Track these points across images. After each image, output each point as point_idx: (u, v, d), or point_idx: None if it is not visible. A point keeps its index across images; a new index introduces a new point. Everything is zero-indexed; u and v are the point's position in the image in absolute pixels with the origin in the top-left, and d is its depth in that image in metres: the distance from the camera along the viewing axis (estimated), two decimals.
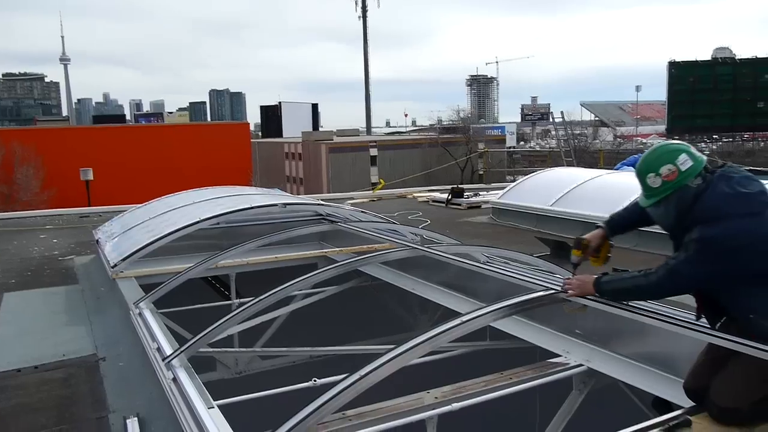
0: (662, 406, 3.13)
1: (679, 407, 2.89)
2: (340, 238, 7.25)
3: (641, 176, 2.70)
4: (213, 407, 2.90)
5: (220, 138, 28.88)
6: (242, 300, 5.86)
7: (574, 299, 3.11)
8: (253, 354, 6.04)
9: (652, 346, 3.66)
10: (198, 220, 6.47)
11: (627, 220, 3.13)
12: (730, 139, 35.56)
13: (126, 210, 9.13)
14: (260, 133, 55.08)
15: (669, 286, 2.67)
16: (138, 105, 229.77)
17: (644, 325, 3.61)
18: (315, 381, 4.06)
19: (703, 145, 33.66)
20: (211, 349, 5.07)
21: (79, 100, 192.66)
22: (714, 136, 35.59)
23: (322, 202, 8.03)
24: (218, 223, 6.73)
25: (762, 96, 32.95)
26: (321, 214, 7.52)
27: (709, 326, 2.77)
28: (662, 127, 38.82)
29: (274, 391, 3.97)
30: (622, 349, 3.83)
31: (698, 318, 2.83)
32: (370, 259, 5.27)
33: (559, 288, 3.28)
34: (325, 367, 4.96)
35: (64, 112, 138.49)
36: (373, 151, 23.89)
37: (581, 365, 3.88)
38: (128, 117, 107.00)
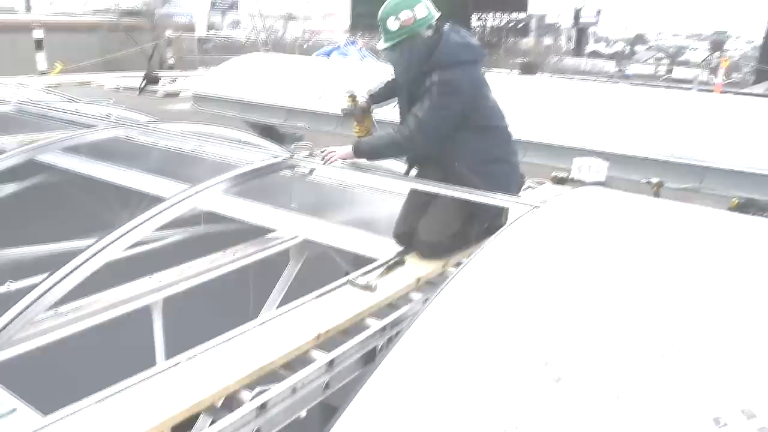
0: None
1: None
2: (14, 125, 6.11)
3: (383, 20, 2.97)
4: None
5: None
6: None
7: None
8: None
9: (357, 212, 4.08)
10: None
11: (383, 94, 3.44)
12: None
13: None
14: None
15: (420, 138, 2.98)
16: None
17: (352, 193, 4.02)
18: (10, 283, 3.58)
19: None
20: None
21: None
22: None
23: None
24: None
25: None
26: None
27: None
28: (346, 24, 40.71)
29: None
30: (333, 217, 4.17)
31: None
32: (54, 145, 4.67)
33: (286, 156, 3.42)
34: (13, 274, 4.33)
35: None
36: (38, 33, 20.13)
37: (296, 237, 4.14)
38: None
